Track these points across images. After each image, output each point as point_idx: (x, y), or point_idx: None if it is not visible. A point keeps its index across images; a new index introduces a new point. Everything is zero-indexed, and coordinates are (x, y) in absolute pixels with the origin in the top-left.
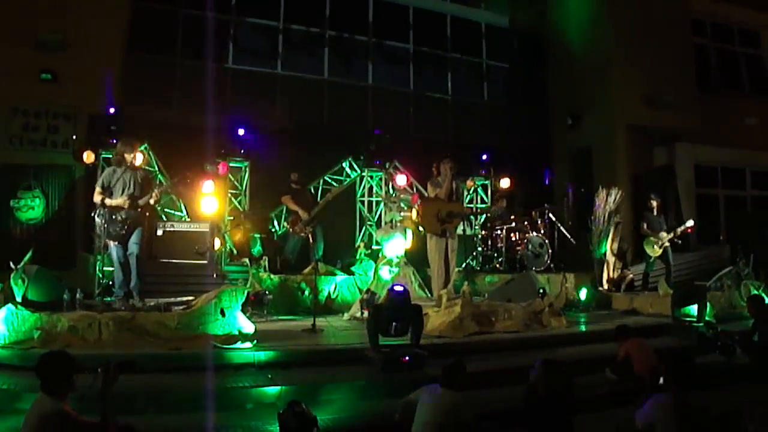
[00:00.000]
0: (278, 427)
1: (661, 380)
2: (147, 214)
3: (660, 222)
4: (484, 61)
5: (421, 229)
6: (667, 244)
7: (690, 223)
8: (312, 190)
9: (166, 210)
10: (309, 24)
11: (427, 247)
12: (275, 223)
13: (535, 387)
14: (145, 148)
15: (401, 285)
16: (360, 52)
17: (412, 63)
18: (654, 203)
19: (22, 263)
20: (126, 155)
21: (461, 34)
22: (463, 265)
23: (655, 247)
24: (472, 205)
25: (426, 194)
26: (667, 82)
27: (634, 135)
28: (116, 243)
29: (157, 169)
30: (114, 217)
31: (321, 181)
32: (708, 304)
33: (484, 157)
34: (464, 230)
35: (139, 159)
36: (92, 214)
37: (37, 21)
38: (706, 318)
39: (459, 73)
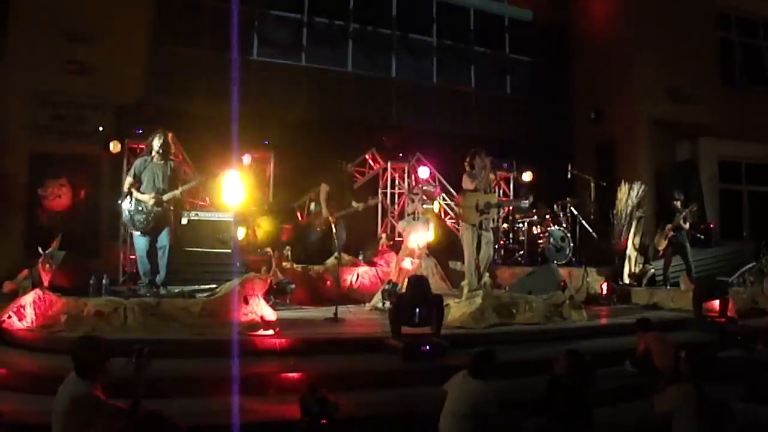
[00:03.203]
0: (300, 412)
1: (682, 366)
2: (172, 207)
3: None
4: (507, 54)
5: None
6: (671, 234)
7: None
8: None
9: (190, 199)
10: (333, 17)
11: (462, 237)
12: (298, 214)
13: (558, 377)
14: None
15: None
16: (384, 45)
17: (435, 56)
18: (678, 203)
19: (49, 249)
20: (156, 146)
21: (484, 28)
22: None
23: (660, 239)
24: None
25: (447, 186)
26: (691, 76)
27: (658, 129)
28: (140, 233)
29: (182, 159)
30: (140, 208)
31: (350, 176)
32: (730, 299)
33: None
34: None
35: (171, 149)
36: (118, 202)
37: (65, 12)
38: (728, 314)
39: (482, 67)
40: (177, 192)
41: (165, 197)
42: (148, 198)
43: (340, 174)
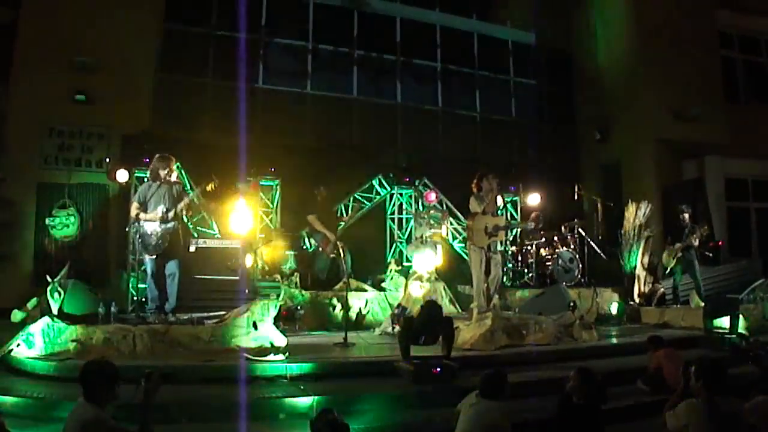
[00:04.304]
0: None
1: (692, 381)
2: (180, 229)
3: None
4: (511, 78)
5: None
6: (680, 254)
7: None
8: (343, 208)
9: (198, 228)
10: (337, 44)
11: (470, 260)
12: (306, 240)
13: (569, 396)
14: (177, 167)
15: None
16: (388, 71)
17: (440, 81)
18: (686, 215)
19: (58, 276)
20: (161, 171)
21: (488, 52)
22: None
23: (669, 257)
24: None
25: (453, 210)
26: (695, 95)
27: (663, 149)
28: (151, 257)
29: (189, 188)
30: (149, 231)
31: (351, 198)
32: (741, 316)
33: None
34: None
35: (173, 174)
36: (126, 229)
37: (71, 42)
38: (739, 330)
39: (486, 91)
40: (179, 207)
41: (170, 215)
42: (155, 215)
43: (320, 201)
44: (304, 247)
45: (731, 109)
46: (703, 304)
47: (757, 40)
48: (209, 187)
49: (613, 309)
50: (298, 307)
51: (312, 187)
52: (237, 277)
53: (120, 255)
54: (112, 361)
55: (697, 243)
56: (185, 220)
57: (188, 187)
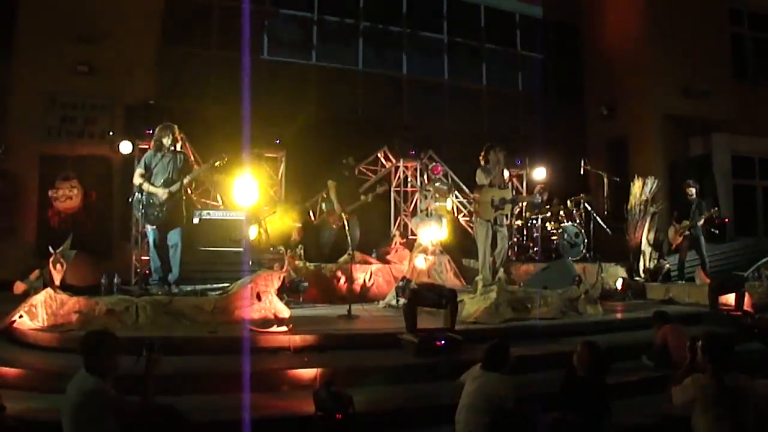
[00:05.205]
0: (314, 407)
1: (699, 356)
2: (184, 199)
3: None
4: (518, 51)
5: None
6: (687, 232)
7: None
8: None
9: (202, 199)
10: (343, 15)
11: (476, 233)
12: (311, 212)
13: (575, 370)
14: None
15: None
16: (394, 43)
17: (446, 53)
18: (692, 190)
19: (61, 248)
20: (164, 140)
21: (495, 25)
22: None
23: (675, 234)
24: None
25: (459, 183)
26: (704, 71)
27: (670, 125)
28: (153, 227)
29: (193, 159)
30: (151, 201)
31: (356, 171)
32: (746, 293)
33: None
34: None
35: (177, 144)
36: (128, 199)
37: (74, 13)
38: (744, 307)
39: (493, 64)
40: (185, 180)
41: (173, 188)
42: (159, 190)
43: (345, 170)
44: (308, 219)
45: (740, 86)
46: (708, 280)
47: None
48: (218, 164)
49: (618, 284)
50: (302, 280)
51: (317, 159)
52: (241, 249)
53: (123, 227)
54: (114, 332)
55: (702, 221)
56: (189, 192)
57: (193, 158)
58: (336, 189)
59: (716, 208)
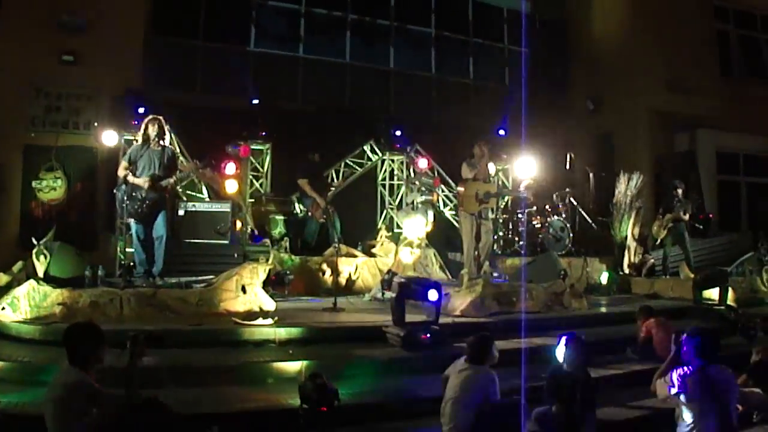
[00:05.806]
0: (299, 399)
1: (684, 349)
2: (168, 195)
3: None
4: (505, 46)
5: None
6: (670, 225)
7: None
8: (334, 174)
9: (187, 191)
10: (331, 7)
11: (461, 227)
12: (296, 204)
13: (560, 363)
14: (169, 131)
15: None
16: (382, 36)
17: (434, 47)
18: (679, 191)
19: (44, 239)
20: (150, 133)
21: (483, 19)
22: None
23: (659, 229)
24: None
25: (445, 176)
26: (690, 68)
27: (656, 120)
28: (136, 221)
29: (179, 151)
30: (134, 194)
31: (342, 164)
32: (729, 288)
33: (502, 133)
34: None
35: (165, 139)
36: (113, 191)
37: (59, 3)
38: (728, 302)
39: (480, 58)
40: (171, 180)
41: (162, 183)
42: (144, 181)
43: (312, 166)
44: (294, 211)
45: (725, 83)
46: (692, 275)
47: (753, 15)
48: (206, 168)
49: (603, 279)
50: (288, 272)
51: (303, 152)
52: (226, 241)
53: (108, 218)
54: (98, 325)
55: (687, 217)
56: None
57: (178, 150)
58: (309, 185)
59: (695, 197)
